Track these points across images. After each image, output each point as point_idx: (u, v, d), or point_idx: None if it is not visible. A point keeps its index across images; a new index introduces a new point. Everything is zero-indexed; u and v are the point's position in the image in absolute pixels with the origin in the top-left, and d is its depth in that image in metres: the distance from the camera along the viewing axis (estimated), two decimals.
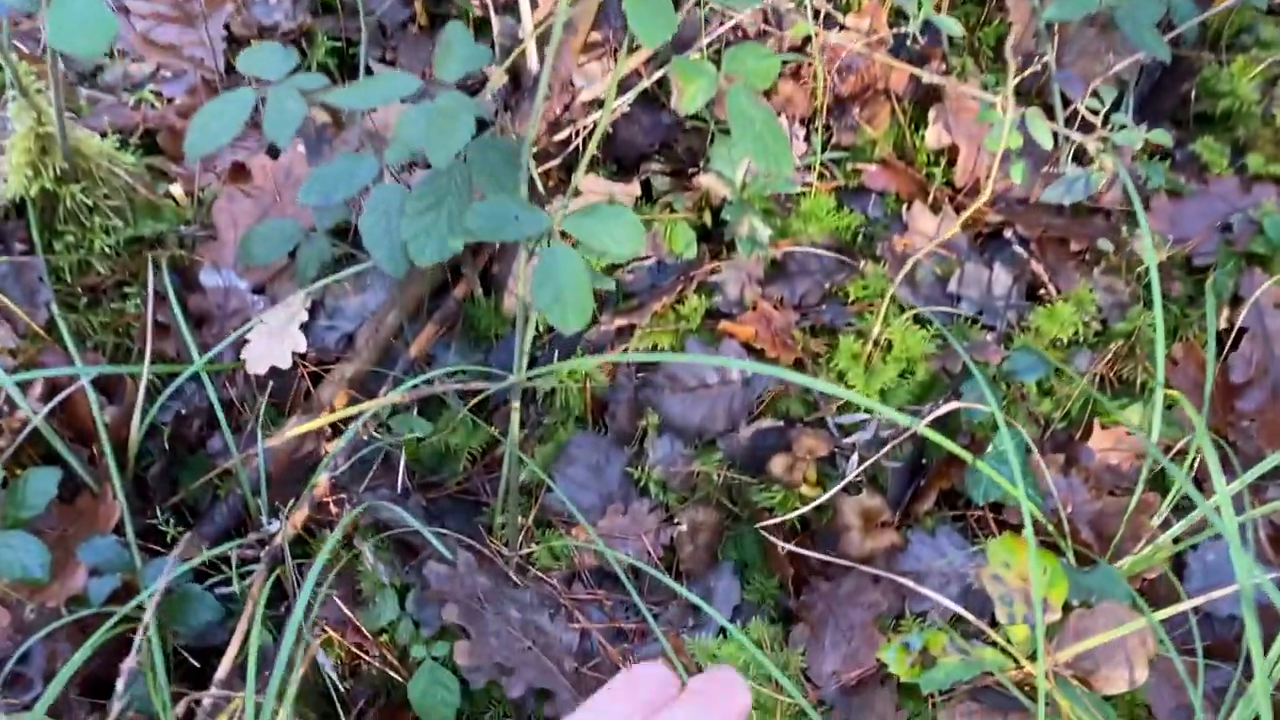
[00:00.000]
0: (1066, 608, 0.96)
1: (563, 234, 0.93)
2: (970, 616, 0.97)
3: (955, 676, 0.90)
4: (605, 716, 0.55)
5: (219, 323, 1.32)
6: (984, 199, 1.21)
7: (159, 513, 1.16)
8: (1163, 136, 1.13)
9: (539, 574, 1.14)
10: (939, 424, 1.21)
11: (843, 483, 1.07)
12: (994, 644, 0.97)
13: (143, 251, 1.31)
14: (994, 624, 1.07)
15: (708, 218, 1.32)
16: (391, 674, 1.09)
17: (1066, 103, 1.24)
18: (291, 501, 1.11)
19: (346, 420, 1.20)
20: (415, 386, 1.19)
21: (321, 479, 1.12)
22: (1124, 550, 1.09)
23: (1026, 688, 0.91)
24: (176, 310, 1.24)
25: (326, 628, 1.06)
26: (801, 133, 1.34)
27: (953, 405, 0.97)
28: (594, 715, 0.55)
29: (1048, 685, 0.88)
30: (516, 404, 1.03)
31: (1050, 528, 1.08)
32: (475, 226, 0.94)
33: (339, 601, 1.08)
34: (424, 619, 1.08)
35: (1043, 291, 1.27)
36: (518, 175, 0.99)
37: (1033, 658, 0.92)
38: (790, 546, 1.11)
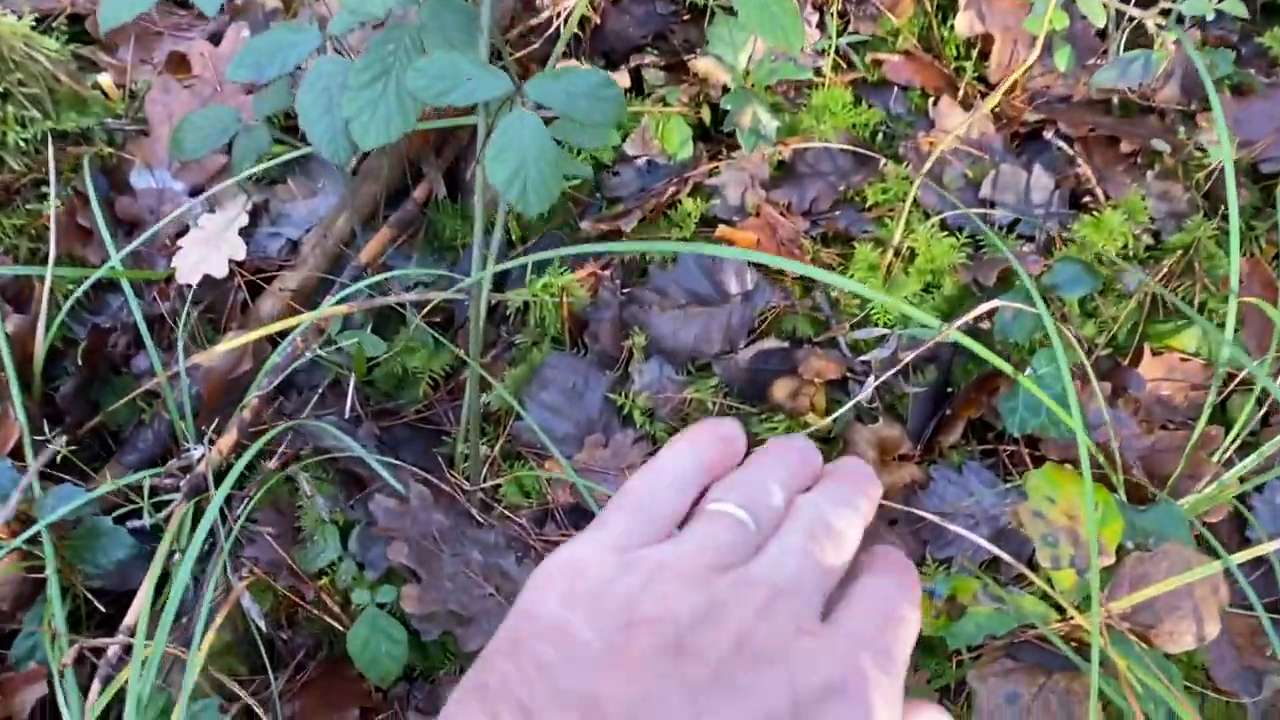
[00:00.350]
0: (1120, 551, 0.81)
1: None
2: (1008, 558, 0.82)
3: (988, 629, 0.75)
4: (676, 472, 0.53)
5: (151, 229, 1.16)
6: (1021, 93, 1.05)
7: (75, 439, 1.02)
8: (1236, 6, 0.96)
9: (505, 512, 1.00)
10: (967, 348, 1.06)
11: (853, 403, 0.91)
12: (1035, 592, 0.83)
13: (65, 148, 1.16)
14: (1032, 569, 0.92)
15: (706, 115, 1.16)
16: (334, 623, 0.95)
17: None
18: (216, 422, 0.96)
19: (287, 335, 1.05)
20: (367, 296, 1.04)
21: (253, 399, 0.97)
22: (1181, 490, 0.94)
23: (1074, 643, 0.77)
24: (97, 211, 1.08)
25: (256, 569, 0.92)
26: (815, 18, 1.18)
27: (993, 304, 0.81)
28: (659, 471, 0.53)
29: (1101, 641, 0.74)
30: (479, 309, 0.88)
31: (1101, 463, 0.93)
32: (418, 87, 0.78)
33: (272, 540, 0.93)
34: (369, 560, 0.93)
35: (1088, 199, 1.11)
36: (477, 39, 0.84)
37: (1082, 608, 0.77)
38: None
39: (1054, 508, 0.81)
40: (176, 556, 0.90)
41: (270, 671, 0.89)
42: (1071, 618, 0.76)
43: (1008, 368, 0.80)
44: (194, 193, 1.18)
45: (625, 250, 0.96)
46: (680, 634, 0.47)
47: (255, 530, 0.97)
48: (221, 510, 0.93)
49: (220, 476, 0.93)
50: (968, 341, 0.77)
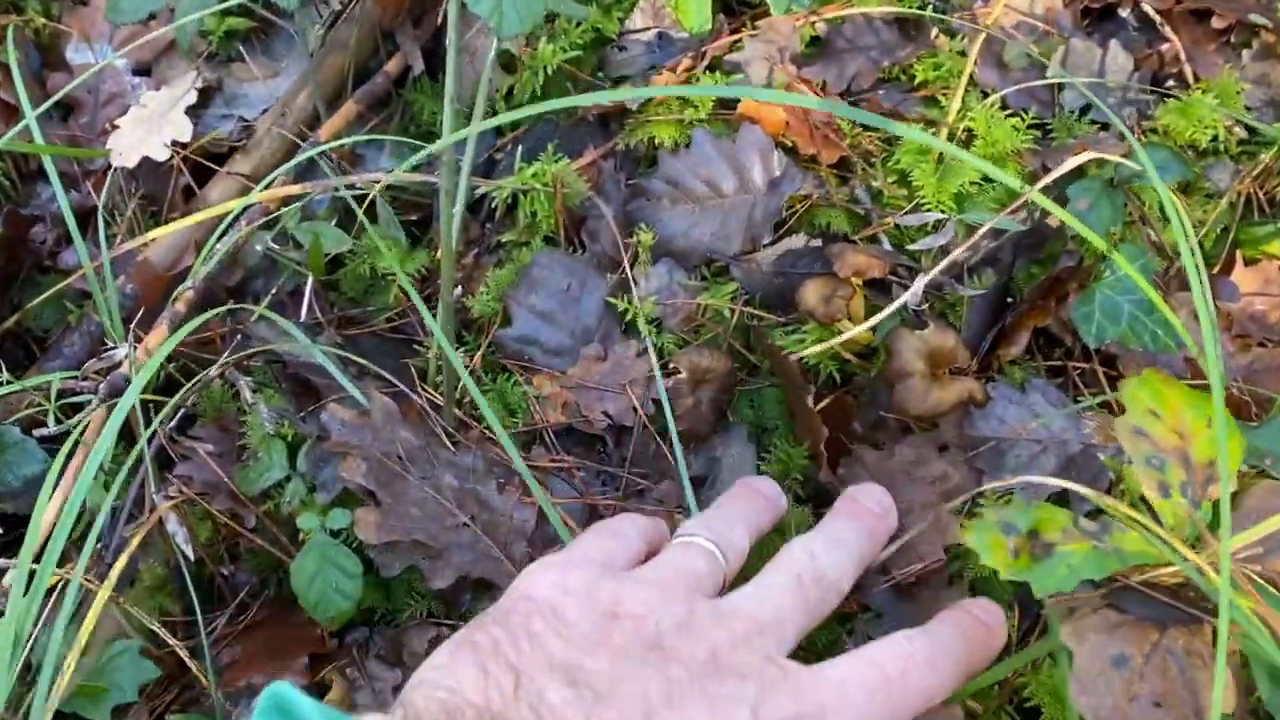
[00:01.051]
0: (1242, 479, 0.65)
1: None
2: (1088, 493, 0.66)
3: (1084, 573, 0.60)
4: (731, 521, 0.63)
5: (90, 111, 1.02)
6: None
7: None
8: None
9: (486, 433, 0.85)
10: (1034, 247, 0.90)
11: (898, 304, 0.76)
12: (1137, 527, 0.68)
13: None
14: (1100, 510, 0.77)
15: None
16: (281, 555, 0.80)
17: None
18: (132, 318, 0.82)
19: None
20: (307, 173, 0.89)
21: (187, 290, 0.82)
22: None
23: (1191, 591, 0.61)
24: (20, 83, 0.93)
25: (186, 489, 0.77)
26: None
27: (1082, 159, 0.65)
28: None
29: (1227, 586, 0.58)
30: (451, 180, 0.73)
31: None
32: None
33: (209, 458, 0.79)
34: (321, 481, 0.79)
35: (1172, 83, 0.95)
36: None
37: (1196, 547, 0.62)
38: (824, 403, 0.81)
39: (1159, 423, 0.65)
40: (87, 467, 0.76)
41: (199, 612, 0.74)
42: (1188, 558, 0.61)
43: (1103, 243, 0.64)
44: (139, 71, 1.03)
45: (623, 97, 0.80)
46: (660, 635, 0.52)
47: (192, 446, 0.82)
48: (148, 421, 0.79)
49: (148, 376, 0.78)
50: (1053, 206, 0.61)
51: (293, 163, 0.80)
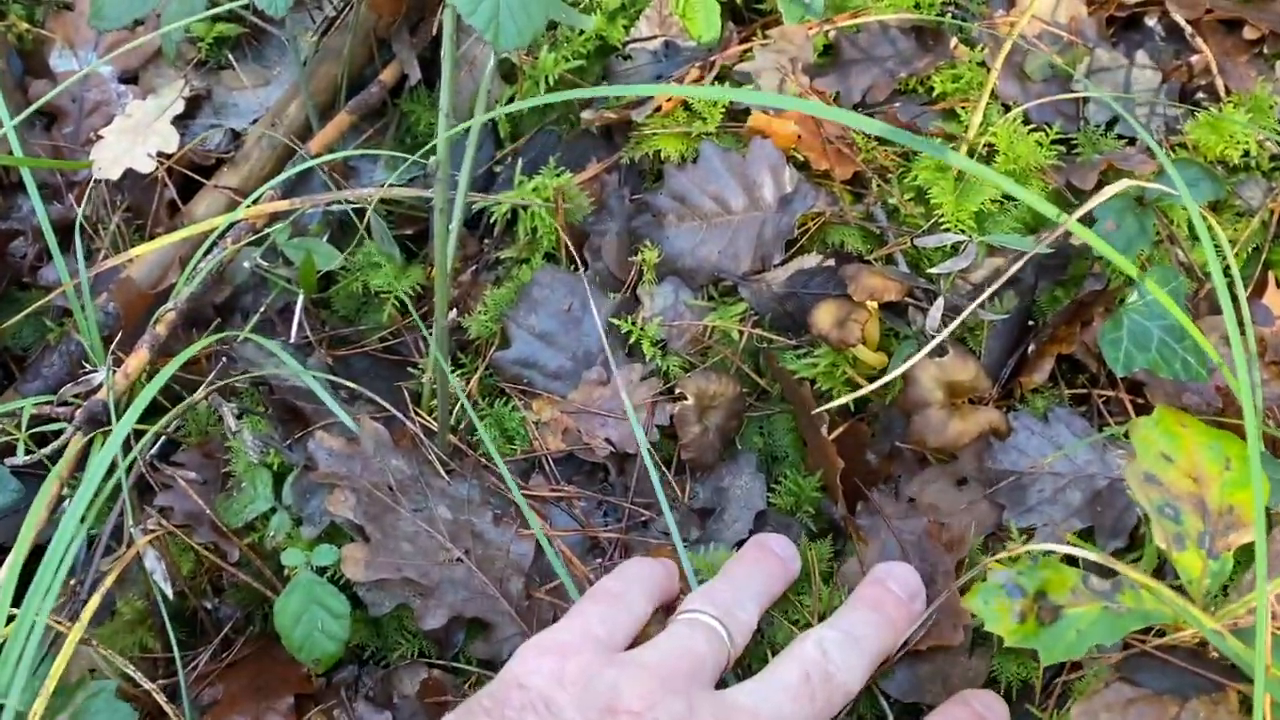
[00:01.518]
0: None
1: None
2: (1101, 558, 0.62)
3: (1094, 638, 0.56)
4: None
5: (74, 120, 0.98)
6: None
7: None
8: None
9: (482, 460, 0.81)
10: (1058, 268, 0.86)
11: (913, 330, 0.72)
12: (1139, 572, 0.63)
13: None
14: (1132, 540, 0.74)
15: None
16: (267, 591, 0.77)
17: None
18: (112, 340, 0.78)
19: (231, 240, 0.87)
20: (321, 191, 0.85)
21: (169, 311, 0.78)
22: None
23: (1214, 652, 0.57)
24: (0, 91, 0.90)
25: (165, 521, 0.73)
26: None
27: (1114, 189, 0.61)
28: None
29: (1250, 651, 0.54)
30: (443, 198, 0.69)
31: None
32: None
33: (188, 487, 0.75)
34: (308, 513, 0.75)
35: (1202, 95, 0.91)
36: None
37: (1212, 603, 0.58)
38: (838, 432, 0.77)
39: (1172, 468, 0.62)
40: (67, 504, 0.72)
41: (176, 651, 0.71)
42: (1204, 621, 0.57)
43: (1132, 269, 0.60)
44: (126, 79, 0.99)
45: (626, 92, 0.76)
46: None
47: (177, 474, 0.79)
48: (128, 449, 0.75)
49: (124, 404, 0.75)
50: (1085, 232, 0.57)
51: (282, 177, 0.76)
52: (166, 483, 0.77)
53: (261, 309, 0.87)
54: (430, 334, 0.77)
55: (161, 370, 0.67)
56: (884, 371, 0.81)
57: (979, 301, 0.74)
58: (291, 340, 0.85)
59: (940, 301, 0.75)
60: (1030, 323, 0.84)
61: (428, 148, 0.67)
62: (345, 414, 0.75)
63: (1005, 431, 0.77)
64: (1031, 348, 0.81)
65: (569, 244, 0.90)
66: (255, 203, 0.80)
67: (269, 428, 0.78)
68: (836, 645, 0.58)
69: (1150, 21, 0.95)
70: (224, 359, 0.81)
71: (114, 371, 0.76)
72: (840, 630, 0.59)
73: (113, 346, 0.83)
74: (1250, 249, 0.89)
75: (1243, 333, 0.85)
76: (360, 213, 0.88)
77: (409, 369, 0.87)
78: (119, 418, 0.71)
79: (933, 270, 0.75)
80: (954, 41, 0.89)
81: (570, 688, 0.51)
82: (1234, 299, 0.86)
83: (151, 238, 0.90)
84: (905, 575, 0.65)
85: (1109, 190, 0.61)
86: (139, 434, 0.76)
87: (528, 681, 0.52)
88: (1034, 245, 0.72)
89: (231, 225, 0.81)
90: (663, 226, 0.87)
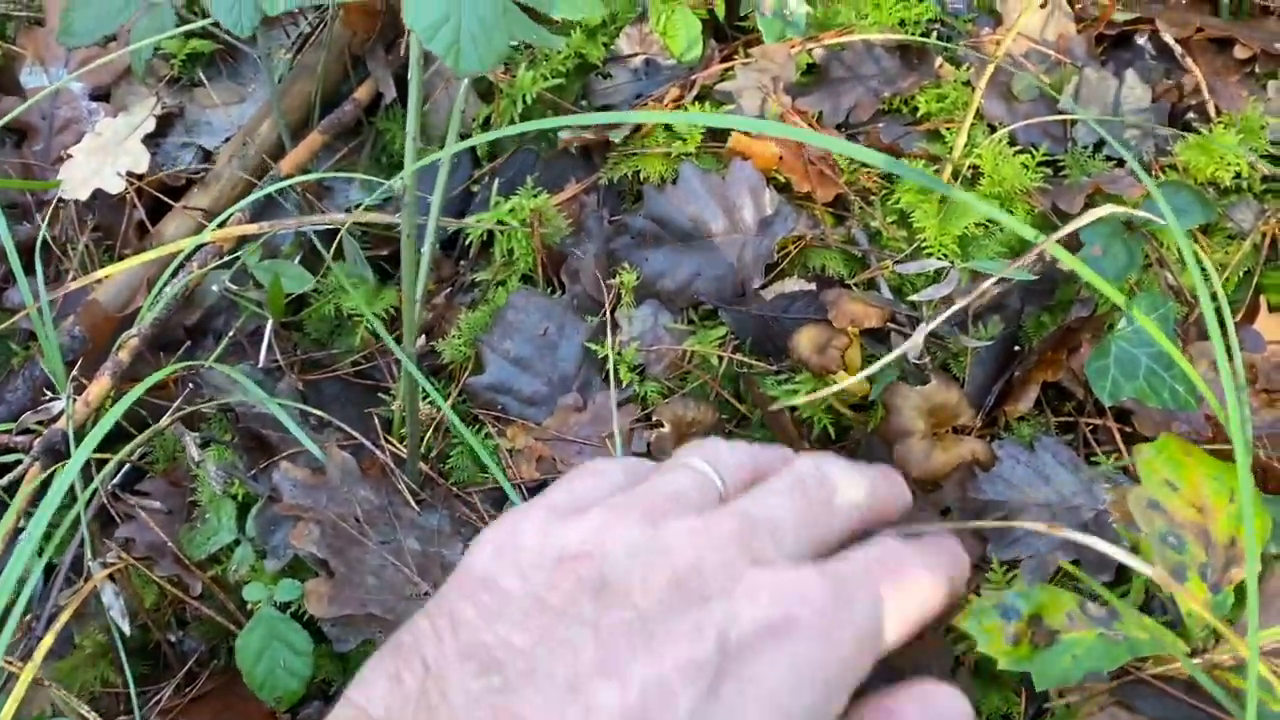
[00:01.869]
0: (1268, 560, 0.59)
1: None
2: (1095, 585, 0.61)
3: (1091, 664, 0.54)
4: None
5: (44, 138, 0.96)
6: None
7: None
8: None
9: (454, 490, 0.79)
10: (1044, 293, 0.84)
11: (895, 354, 0.70)
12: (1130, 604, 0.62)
13: None
14: (1118, 577, 0.72)
15: (720, 7, 0.94)
16: (230, 625, 0.75)
17: None
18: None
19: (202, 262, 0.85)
20: (295, 213, 0.84)
21: (132, 338, 0.76)
22: None
23: (1217, 682, 0.55)
24: None
25: (126, 554, 0.72)
26: None
27: (1100, 211, 0.59)
28: None
29: (1249, 678, 0.53)
30: (410, 221, 0.67)
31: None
32: None
33: (149, 518, 0.73)
34: (272, 546, 0.73)
35: (1192, 116, 0.89)
36: None
37: (1211, 636, 0.56)
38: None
39: (1177, 496, 0.60)
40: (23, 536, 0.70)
41: (133, 688, 0.69)
42: (1206, 650, 0.55)
43: (1119, 296, 0.58)
44: (97, 96, 0.97)
45: (603, 121, 0.74)
46: (607, 574, 0.42)
47: (139, 504, 0.77)
48: (89, 478, 0.73)
49: (84, 432, 0.72)
50: (1067, 257, 0.55)
51: (250, 199, 0.74)
52: (130, 513, 0.75)
53: (231, 333, 0.85)
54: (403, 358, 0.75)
55: (121, 399, 0.65)
56: (866, 398, 0.79)
57: (941, 321, 0.72)
58: (260, 365, 0.83)
59: (922, 328, 0.73)
60: (1016, 348, 0.83)
61: (399, 176, 0.65)
62: (312, 443, 0.73)
63: (989, 461, 0.75)
64: (1017, 375, 0.79)
65: (546, 265, 0.88)
66: (223, 225, 0.78)
67: (234, 457, 0.76)
68: (833, 464, 0.49)
69: (1140, 40, 0.94)
70: (190, 385, 0.79)
71: (75, 399, 0.74)
72: (830, 460, 0.50)
73: (77, 371, 0.81)
74: (1241, 272, 0.87)
75: (1231, 360, 0.84)
76: (334, 233, 0.87)
77: (380, 395, 0.85)
78: (79, 447, 0.69)
79: (914, 297, 0.73)
80: (939, 60, 0.87)
81: (515, 558, 0.44)
82: (1223, 325, 0.85)
83: (120, 259, 0.88)
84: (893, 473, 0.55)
85: (1091, 214, 0.59)
86: (102, 463, 0.74)
87: (472, 565, 0.45)
88: (1017, 270, 0.70)
89: (198, 248, 0.79)
90: (641, 248, 0.85)
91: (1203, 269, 0.79)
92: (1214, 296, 0.78)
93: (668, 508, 0.45)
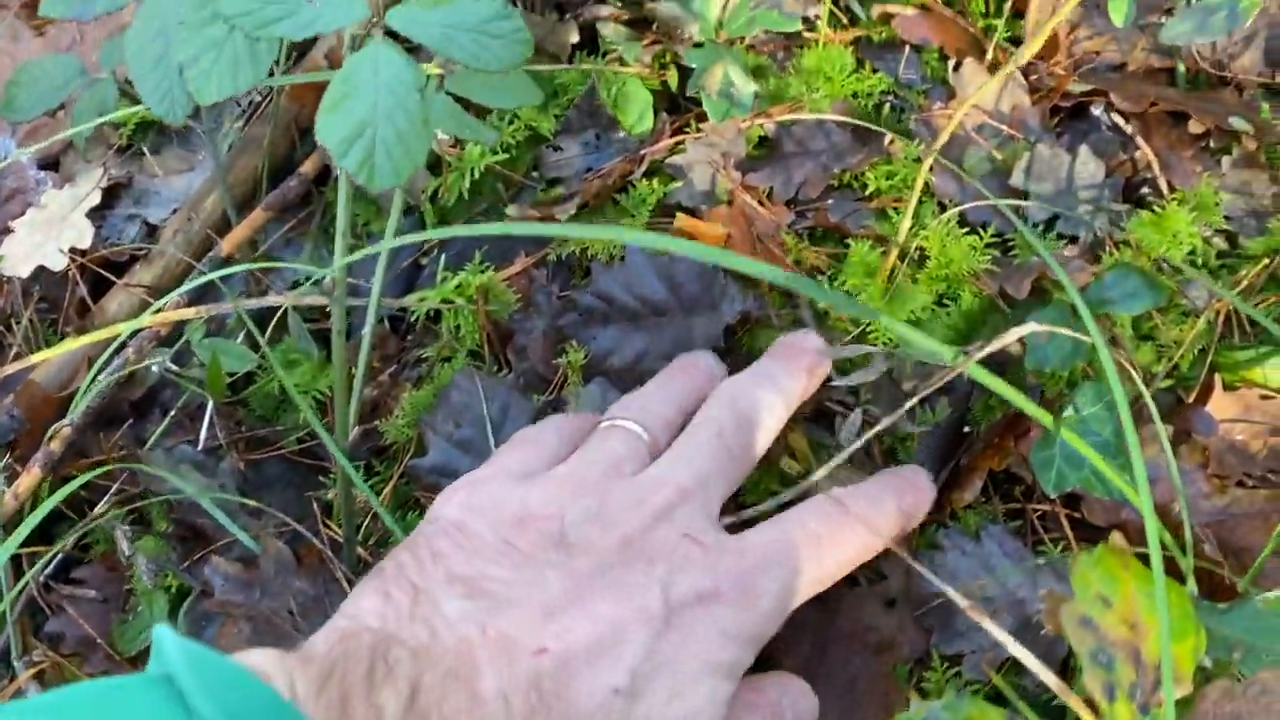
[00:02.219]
0: (1199, 677, 0.58)
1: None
2: (1048, 679, 0.59)
3: None
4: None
5: None
6: (1064, 58, 0.84)
7: None
8: None
9: None
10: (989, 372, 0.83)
11: (842, 455, 0.69)
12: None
13: None
14: (1063, 672, 0.71)
15: (673, 78, 0.93)
16: None
17: None
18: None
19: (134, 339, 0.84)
20: (240, 293, 0.83)
21: (64, 427, 0.75)
22: (1270, 577, 0.72)
23: None
24: None
25: (54, 651, 0.70)
26: None
27: (1023, 329, 0.59)
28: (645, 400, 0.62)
29: None
30: (340, 312, 0.66)
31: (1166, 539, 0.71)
32: (236, 12, 0.57)
33: (76, 614, 0.72)
34: (204, 642, 0.71)
35: (1146, 191, 0.89)
36: None
37: None
38: None
39: (1110, 613, 0.59)
40: None
41: None
42: None
43: (1046, 418, 0.57)
44: (45, 165, 0.97)
45: (550, 232, 0.74)
46: (567, 531, 0.51)
47: (73, 594, 0.76)
48: (18, 572, 0.72)
49: (12, 525, 0.72)
50: (988, 379, 0.55)
51: (187, 287, 0.73)
52: (62, 604, 0.74)
53: (173, 412, 0.84)
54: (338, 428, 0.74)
55: (44, 502, 0.64)
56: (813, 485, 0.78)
57: (883, 408, 0.71)
58: (200, 447, 0.82)
59: (857, 415, 0.73)
60: (966, 429, 0.82)
61: (330, 270, 0.65)
62: (246, 534, 0.72)
63: (935, 551, 0.74)
64: (964, 461, 0.78)
65: (494, 341, 0.87)
66: (160, 310, 0.77)
67: (167, 549, 0.75)
68: (744, 389, 0.60)
69: (1096, 110, 0.93)
70: (127, 472, 0.78)
71: (4, 491, 0.73)
72: (749, 374, 0.62)
73: (18, 453, 0.80)
74: (1196, 350, 0.86)
75: (1193, 438, 0.83)
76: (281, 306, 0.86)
77: (322, 477, 0.84)
78: (3, 543, 0.68)
79: (836, 382, 0.72)
80: (889, 137, 0.86)
81: (481, 510, 0.52)
82: (1177, 403, 0.84)
83: (63, 336, 0.87)
84: (808, 335, 0.69)
85: (1014, 333, 0.58)
86: (35, 554, 0.73)
87: (440, 513, 0.54)
88: (955, 361, 0.69)
89: (136, 333, 0.78)
90: (590, 326, 0.84)
91: (1137, 369, 0.78)
92: (1148, 381, 0.77)
93: (609, 476, 0.55)
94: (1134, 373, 0.85)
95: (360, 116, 0.53)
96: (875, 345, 0.73)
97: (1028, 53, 0.72)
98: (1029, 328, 0.58)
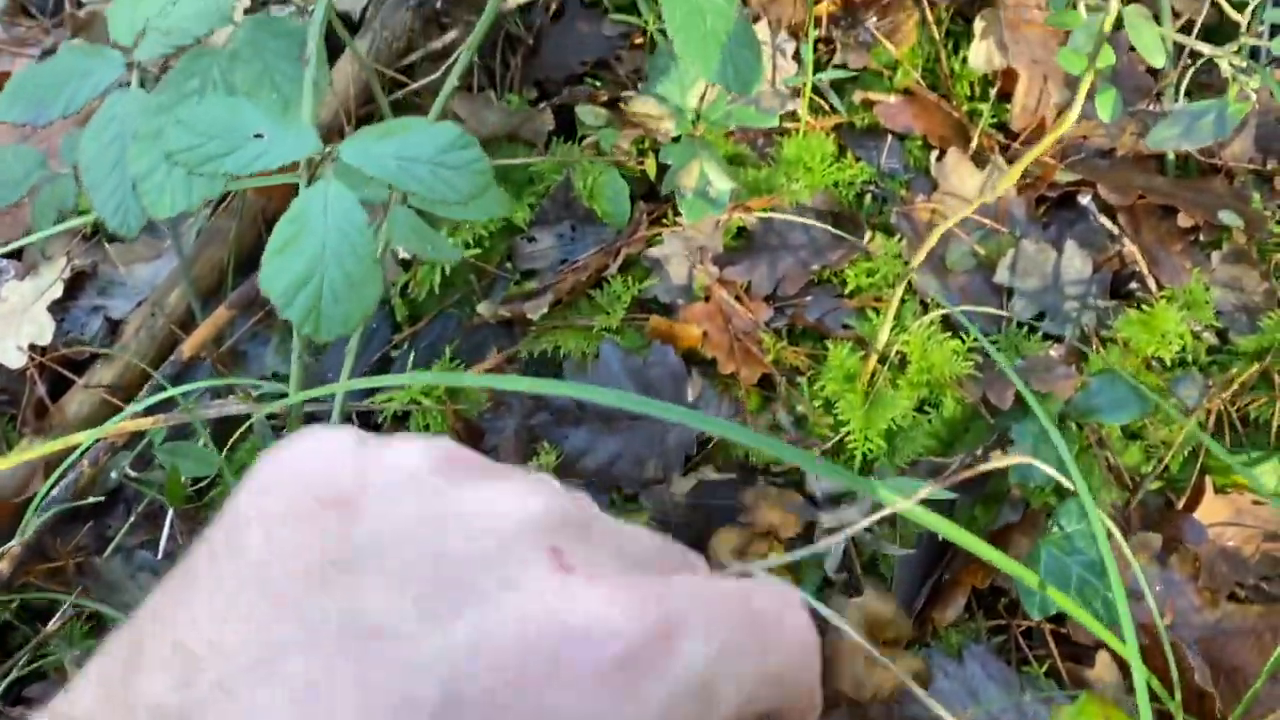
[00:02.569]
0: None
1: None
2: None
3: None
4: None
5: None
6: (1049, 145, 0.82)
7: None
8: None
9: None
10: (976, 484, 0.81)
11: (826, 571, 0.67)
12: None
13: None
14: None
15: (651, 166, 0.91)
16: None
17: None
18: None
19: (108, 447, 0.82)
20: (203, 398, 0.81)
21: (11, 549, 0.73)
22: (1266, 704, 0.69)
23: None
24: None
25: None
26: (790, 47, 0.93)
27: (992, 465, 0.57)
28: None
29: None
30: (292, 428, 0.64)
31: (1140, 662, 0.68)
32: (179, 147, 0.54)
33: None
34: None
35: (1134, 287, 0.86)
36: (300, 75, 0.61)
37: None
38: None
39: None
40: None
41: None
42: None
43: (1020, 570, 0.55)
44: (9, 254, 0.94)
45: (506, 386, 0.72)
46: (359, 538, 0.35)
47: (25, 716, 0.73)
48: None
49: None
50: (954, 533, 0.53)
51: (145, 403, 0.71)
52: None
53: (133, 517, 0.81)
54: None
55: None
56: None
57: (862, 527, 0.69)
58: (160, 554, 0.80)
59: (839, 543, 0.70)
60: (947, 545, 0.79)
61: (288, 401, 0.62)
62: None
63: (928, 678, 0.72)
64: (946, 577, 0.76)
65: (464, 440, 0.84)
66: (127, 417, 0.75)
67: None
68: None
69: (1084, 200, 0.91)
70: (82, 584, 0.75)
71: None
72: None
73: None
74: (1186, 452, 0.84)
75: (1183, 546, 0.80)
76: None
77: None
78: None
79: (822, 520, 0.69)
80: (869, 234, 0.84)
81: (279, 499, 0.29)
82: (1166, 509, 0.82)
83: (21, 435, 0.85)
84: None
85: (985, 466, 0.56)
86: None
87: (225, 516, 0.32)
88: (933, 490, 0.67)
89: (95, 443, 0.76)
90: (561, 426, 0.82)
91: (1124, 473, 0.76)
92: (1136, 486, 0.75)
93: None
94: (1121, 479, 0.83)
95: (307, 263, 0.51)
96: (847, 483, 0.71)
97: (1014, 172, 0.70)
98: (1008, 459, 0.55)
